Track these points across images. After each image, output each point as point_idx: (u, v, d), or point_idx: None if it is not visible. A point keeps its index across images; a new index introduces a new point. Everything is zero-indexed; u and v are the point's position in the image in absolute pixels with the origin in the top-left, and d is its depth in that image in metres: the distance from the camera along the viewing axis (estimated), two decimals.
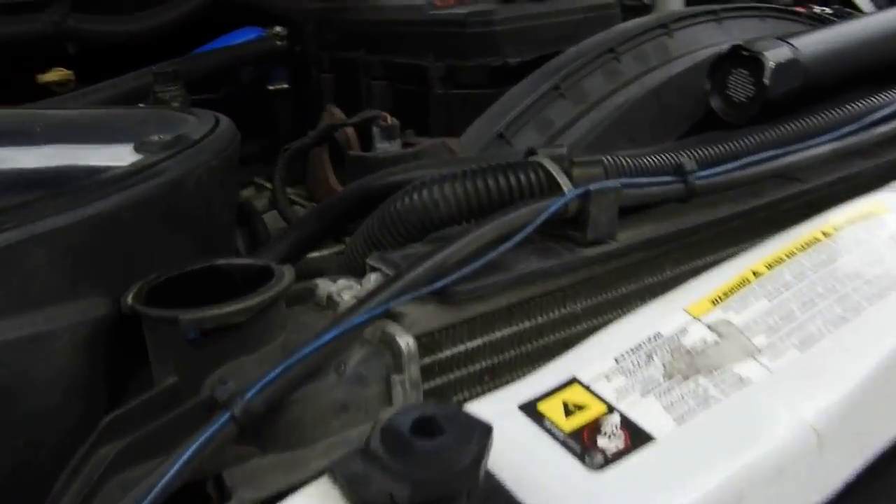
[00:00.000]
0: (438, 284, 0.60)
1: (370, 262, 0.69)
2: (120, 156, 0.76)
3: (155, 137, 0.77)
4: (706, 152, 0.77)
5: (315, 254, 1.36)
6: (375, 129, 1.15)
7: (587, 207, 0.67)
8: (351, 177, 1.14)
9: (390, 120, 1.15)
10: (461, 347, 0.63)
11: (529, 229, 0.64)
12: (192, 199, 0.73)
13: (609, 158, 0.71)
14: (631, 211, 0.72)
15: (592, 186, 0.66)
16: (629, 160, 0.72)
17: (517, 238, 0.63)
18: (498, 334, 0.64)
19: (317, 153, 1.33)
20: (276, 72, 2.09)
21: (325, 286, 0.68)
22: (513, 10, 1.42)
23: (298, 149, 1.23)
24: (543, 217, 0.64)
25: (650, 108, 1.08)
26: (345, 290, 0.65)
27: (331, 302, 0.66)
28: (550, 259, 0.67)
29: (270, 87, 2.09)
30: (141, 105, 1.57)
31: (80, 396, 0.64)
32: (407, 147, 1.32)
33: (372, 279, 0.68)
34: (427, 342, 0.61)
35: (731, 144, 0.79)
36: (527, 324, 0.66)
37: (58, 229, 0.62)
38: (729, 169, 0.75)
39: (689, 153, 0.75)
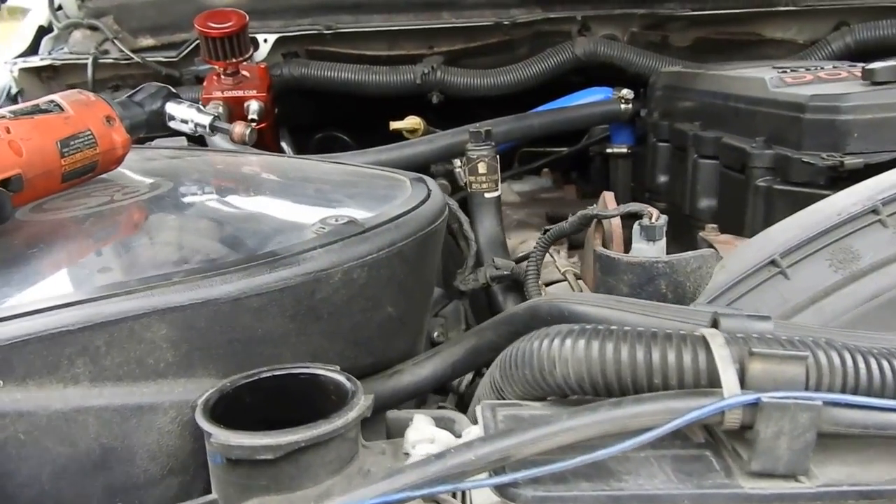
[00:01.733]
0: (503, 479, 0.46)
1: (477, 411, 0.57)
2: (298, 232, 0.75)
3: (333, 218, 0.74)
4: None
5: None
6: (637, 227, 0.98)
7: (756, 425, 0.45)
8: (596, 275, 0.99)
9: (656, 217, 0.97)
10: None
11: (650, 436, 0.45)
12: (337, 293, 0.68)
13: (829, 353, 0.47)
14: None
15: (766, 397, 0.45)
16: (872, 360, 0.48)
17: (623, 446, 0.45)
18: None
19: (590, 237, 1.20)
20: (619, 134, 1.99)
21: (419, 428, 0.58)
22: (875, 96, 1.11)
23: (557, 233, 1.12)
24: (676, 425, 0.45)
25: None
26: (421, 444, 0.54)
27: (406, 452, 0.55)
28: (687, 482, 0.47)
29: (609, 150, 2.00)
30: (457, 162, 1.61)
31: (177, 473, 0.64)
32: (708, 248, 1.12)
33: (473, 433, 0.56)
34: None
35: None
36: None
37: (182, 306, 0.63)
38: None
39: None
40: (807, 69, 1.36)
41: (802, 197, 1.17)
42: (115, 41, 2.07)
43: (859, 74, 1.28)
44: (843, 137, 1.10)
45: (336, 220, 0.74)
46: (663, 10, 2.02)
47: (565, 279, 1.37)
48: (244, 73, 1.81)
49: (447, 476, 0.45)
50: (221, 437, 0.51)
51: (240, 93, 1.79)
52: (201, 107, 1.05)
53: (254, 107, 1.76)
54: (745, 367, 0.47)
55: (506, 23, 2.01)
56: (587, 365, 0.51)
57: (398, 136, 2.02)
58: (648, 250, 0.97)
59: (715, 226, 1.21)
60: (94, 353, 0.61)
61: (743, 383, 0.46)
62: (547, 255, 1.62)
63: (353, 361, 0.73)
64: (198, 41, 2.05)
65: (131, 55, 2.07)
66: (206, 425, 0.53)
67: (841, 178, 1.11)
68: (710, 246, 1.14)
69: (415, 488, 0.44)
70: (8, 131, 0.81)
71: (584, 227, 1.12)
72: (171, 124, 1.04)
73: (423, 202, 0.81)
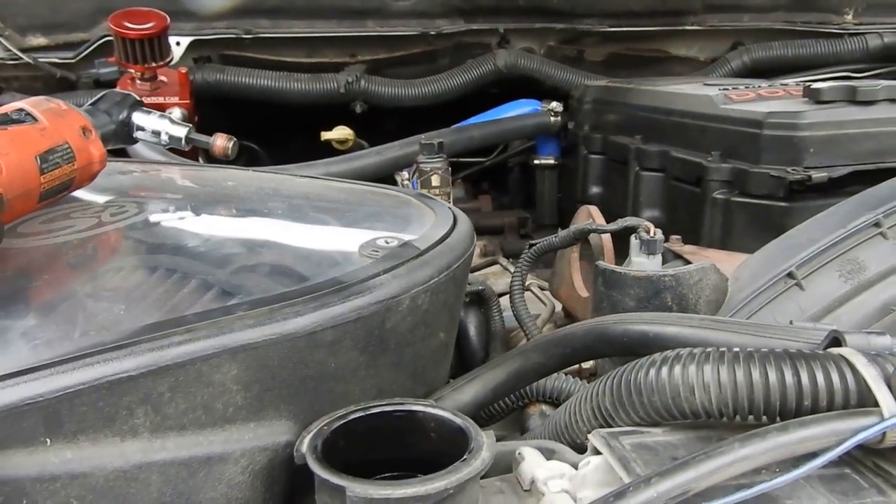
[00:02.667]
0: None
1: (594, 440, 0.55)
2: (344, 256, 0.70)
3: (382, 241, 0.70)
4: None
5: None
6: (635, 240, 1.00)
7: None
8: (597, 289, 0.99)
9: (654, 232, 0.99)
10: None
11: (823, 460, 0.45)
12: (404, 320, 0.64)
13: None
14: None
15: None
16: None
17: (806, 468, 0.45)
18: None
19: (567, 250, 1.21)
20: (545, 145, 2.03)
21: (532, 462, 0.55)
22: (827, 114, 1.19)
23: (546, 247, 1.12)
24: (847, 446, 0.45)
25: None
26: (554, 480, 0.52)
27: (535, 489, 0.52)
28: (849, 501, 0.47)
29: (537, 161, 2.03)
30: (405, 174, 1.58)
31: None
32: (675, 259, 1.15)
33: (591, 464, 0.54)
34: None
35: None
36: None
37: (252, 344, 0.56)
38: None
39: None
40: (745, 87, 1.44)
41: (760, 208, 1.24)
42: (1, 39, 1.86)
43: (796, 93, 1.37)
44: (800, 153, 1.18)
45: (387, 243, 0.69)
46: (582, 25, 2.08)
47: (529, 290, 1.37)
48: (162, 78, 1.69)
49: None
50: (359, 489, 0.46)
51: (160, 99, 1.66)
52: (173, 117, 0.96)
53: (176, 114, 1.64)
54: (892, 385, 0.48)
55: (431, 33, 2.00)
56: (732, 391, 0.50)
57: (319, 147, 1.96)
58: (649, 264, 0.99)
59: (679, 237, 1.25)
60: (156, 400, 0.54)
61: None
62: (499, 266, 1.63)
63: (412, 392, 0.69)
64: (99, 42, 1.90)
65: (20, 55, 1.87)
66: (335, 478, 0.47)
67: (799, 191, 1.18)
68: (678, 256, 1.18)
69: None
70: None
71: (578, 241, 1.12)
72: (139, 135, 0.94)
73: (456, 221, 0.78)
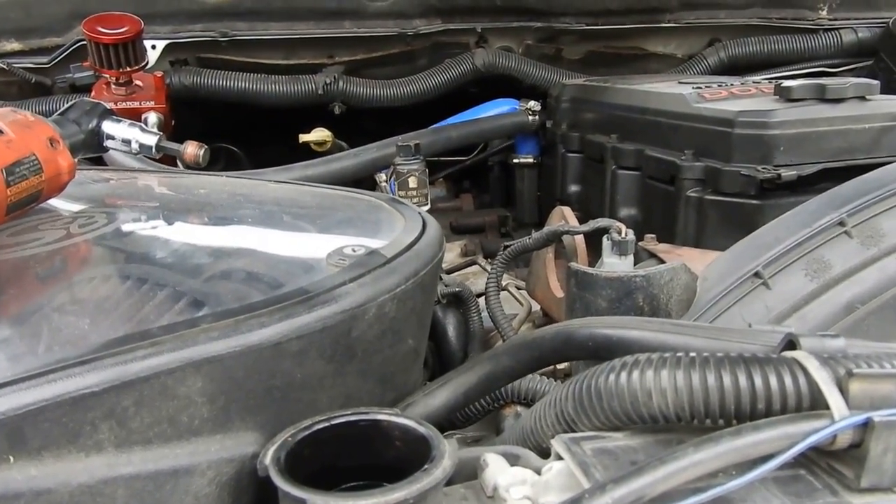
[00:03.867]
0: None
1: (556, 445, 0.55)
2: (312, 264, 0.70)
3: (349, 249, 0.70)
4: None
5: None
6: (606, 241, 1.00)
7: (866, 442, 0.47)
8: (569, 291, 1.00)
9: (625, 233, 1.00)
10: None
11: (775, 463, 0.46)
12: (371, 328, 0.65)
13: None
14: None
15: (878, 415, 0.47)
16: None
17: (759, 472, 0.46)
18: None
19: (542, 250, 1.22)
20: (524, 144, 2.04)
21: (494, 468, 0.55)
22: (796, 112, 1.20)
23: (520, 249, 1.12)
24: (798, 450, 0.46)
25: None
26: (516, 487, 0.52)
27: (497, 496, 0.53)
28: (803, 502, 0.48)
29: (516, 160, 2.04)
30: (383, 175, 1.58)
31: None
32: (650, 258, 1.16)
33: (554, 469, 0.54)
34: None
35: None
36: None
37: (217, 356, 0.56)
38: None
39: None
40: (718, 85, 1.46)
41: (732, 206, 1.25)
42: None
43: (767, 91, 1.39)
44: (770, 151, 1.19)
45: (353, 251, 0.70)
46: (559, 23, 2.09)
47: (506, 290, 1.38)
48: (137, 82, 1.68)
49: None
50: (320, 501, 0.47)
51: (135, 104, 1.66)
52: (143, 125, 0.96)
53: (152, 119, 1.64)
54: (843, 388, 0.49)
55: (409, 33, 2.00)
56: (688, 395, 0.51)
57: (297, 148, 1.96)
58: (620, 264, 1.00)
59: (653, 236, 1.26)
60: (121, 415, 0.54)
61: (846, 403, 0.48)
62: (477, 266, 1.64)
63: (380, 399, 0.69)
64: (74, 46, 1.89)
65: None
66: (295, 490, 0.48)
67: (770, 189, 1.20)
68: (652, 255, 1.19)
69: None
70: None
71: (551, 242, 1.13)
72: (109, 144, 0.93)
73: (425, 227, 0.79)
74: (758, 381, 0.50)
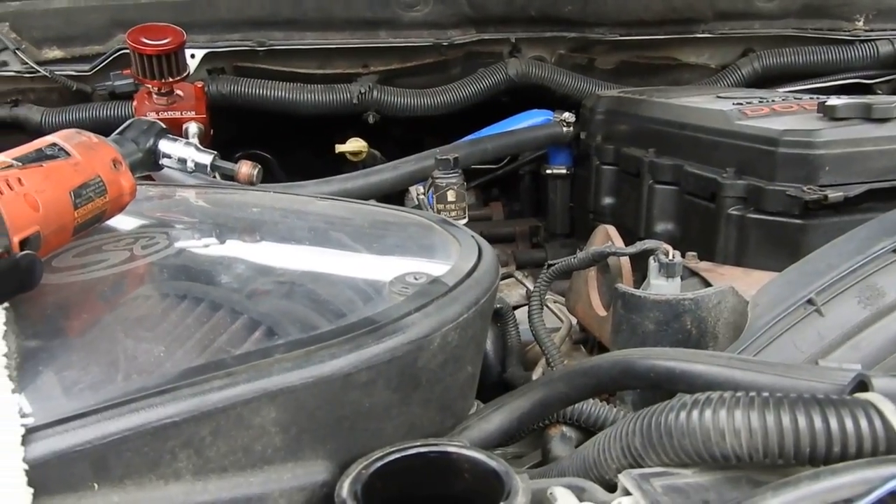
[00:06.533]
0: None
1: (625, 481, 0.56)
2: (374, 290, 0.71)
3: (411, 277, 0.71)
4: None
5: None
6: (653, 263, 1.01)
7: None
8: (616, 312, 1.01)
9: (672, 255, 1.01)
10: None
11: None
12: (435, 357, 0.65)
13: None
14: None
15: None
16: None
17: None
18: None
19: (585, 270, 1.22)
20: (557, 155, 2.04)
21: (564, 502, 0.56)
22: (842, 132, 1.20)
23: (565, 268, 1.13)
24: (877, 495, 0.47)
25: None
26: None
27: None
28: None
29: (549, 171, 2.04)
30: (420, 188, 1.59)
31: None
32: (691, 276, 1.16)
33: None
34: None
35: None
36: None
37: (290, 387, 0.58)
38: None
39: None
40: (759, 101, 1.45)
41: (775, 225, 1.25)
42: (18, 52, 1.88)
43: (810, 108, 1.38)
44: (815, 171, 1.19)
45: (416, 279, 0.71)
46: (592, 34, 2.08)
47: (546, 306, 1.38)
48: (178, 92, 1.70)
49: None
50: None
51: (176, 114, 1.68)
52: (198, 144, 0.97)
53: (192, 129, 1.66)
54: None
55: (444, 43, 2.01)
56: (762, 437, 0.51)
57: (330, 157, 1.97)
58: (667, 287, 1.00)
59: (694, 254, 1.26)
60: (198, 444, 0.55)
61: None
62: (513, 279, 1.64)
63: (440, 426, 0.70)
64: (115, 55, 1.92)
65: (37, 68, 1.89)
66: None
67: (815, 209, 1.19)
68: (694, 273, 1.19)
69: None
70: (20, 183, 0.72)
71: (596, 263, 1.13)
72: (165, 163, 0.95)
73: (481, 253, 0.79)
74: (833, 423, 0.51)
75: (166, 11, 1.85)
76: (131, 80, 1.84)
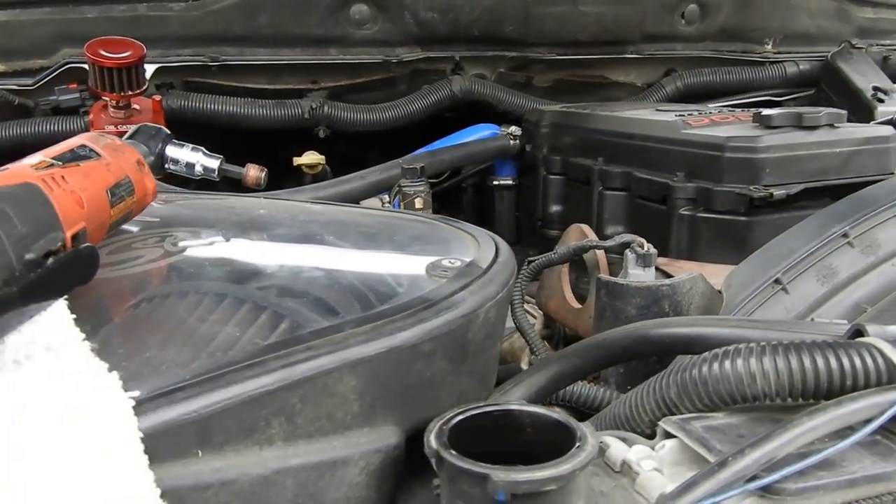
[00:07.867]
0: (769, 480, 0.54)
1: (667, 426, 0.64)
2: (414, 279, 0.77)
3: (447, 262, 0.77)
4: None
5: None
6: (630, 255, 1.11)
7: None
8: (599, 300, 1.10)
9: (647, 247, 1.11)
10: None
11: (873, 426, 0.56)
12: (479, 331, 0.72)
13: None
14: None
15: None
16: None
17: (860, 435, 0.56)
18: None
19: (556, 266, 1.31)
20: (503, 167, 2.14)
21: (618, 448, 0.64)
22: (779, 138, 1.34)
23: (545, 263, 1.22)
24: (890, 415, 0.56)
25: None
26: (645, 460, 0.61)
27: (627, 469, 0.61)
28: (890, 462, 0.58)
29: (496, 182, 2.14)
30: (385, 197, 1.64)
31: None
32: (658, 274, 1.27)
33: (667, 447, 0.63)
34: None
35: None
36: None
37: (367, 358, 0.63)
38: None
39: None
40: (699, 113, 1.59)
41: (724, 223, 1.38)
42: None
43: (744, 118, 1.53)
44: (758, 173, 1.33)
45: (451, 263, 0.77)
46: (532, 53, 2.21)
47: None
48: (135, 106, 1.70)
49: (733, 480, 0.53)
50: (503, 474, 0.53)
51: (133, 127, 1.67)
52: (205, 150, 1.00)
53: None
54: None
55: (393, 61, 2.08)
56: (788, 377, 0.61)
57: (282, 170, 2.00)
58: (644, 275, 1.10)
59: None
60: (289, 411, 0.60)
61: None
62: None
63: (480, 396, 0.76)
64: (59, 69, 1.89)
65: None
66: (476, 467, 0.54)
67: (759, 207, 1.33)
68: (658, 268, 1.30)
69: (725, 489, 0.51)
70: (65, 181, 0.74)
71: (577, 257, 1.22)
72: (171, 167, 0.97)
73: (496, 242, 0.86)
74: (845, 362, 0.61)
75: (115, 26, 1.84)
76: (78, 95, 1.82)
